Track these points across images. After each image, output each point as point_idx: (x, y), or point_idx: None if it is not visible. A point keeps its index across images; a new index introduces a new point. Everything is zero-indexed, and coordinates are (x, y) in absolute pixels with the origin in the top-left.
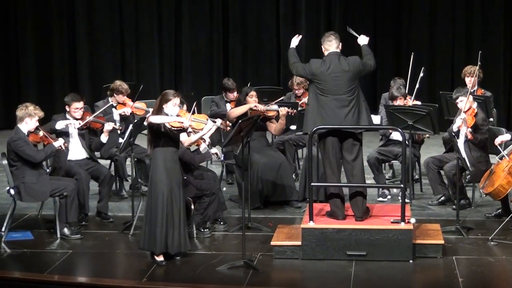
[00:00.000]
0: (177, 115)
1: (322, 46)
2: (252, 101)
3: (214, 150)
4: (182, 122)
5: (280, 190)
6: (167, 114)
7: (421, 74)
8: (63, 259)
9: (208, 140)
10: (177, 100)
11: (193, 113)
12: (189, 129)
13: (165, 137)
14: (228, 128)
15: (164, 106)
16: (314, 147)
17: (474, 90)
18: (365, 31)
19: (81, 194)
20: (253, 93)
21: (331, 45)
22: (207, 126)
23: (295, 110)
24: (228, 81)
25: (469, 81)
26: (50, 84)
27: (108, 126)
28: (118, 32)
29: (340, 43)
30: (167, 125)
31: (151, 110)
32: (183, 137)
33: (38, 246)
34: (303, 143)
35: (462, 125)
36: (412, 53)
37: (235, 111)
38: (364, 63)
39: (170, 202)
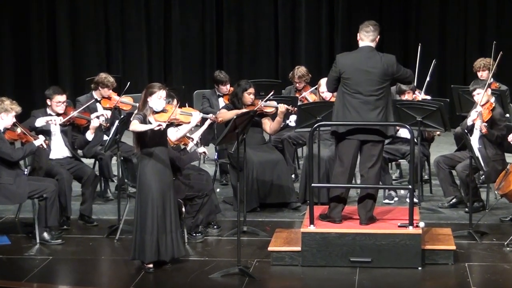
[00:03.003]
0: (163, 110)
1: (358, 35)
2: (249, 99)
3: (202, 149)
4: (159, 125)
5: (277, 191)
6: (151, 108)
7: (432, 67)
8: (42, 266)
9: (196, 139)
10: (162, 93)
11: (181, 106)
12: (174, 125)
13: (151, 135)
14: (220, 119)
15: (148, 99)
16: (315, 145)
17: (489, 84)
18: (369, 19)
19: (62, 196)
20: (251, 89)
21: (367, 36)
22: (194, 117)
23: (295, 108)
24: (220, 73)
25: (480, 75)
26: (28, 77)
27: (95, 122)
28: (102, 20)
29: (378, 36)
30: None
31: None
32: (170, 133)
33: (16, 252)
34: (303, 141)
35: (477, 118)
36: (420, 44)
37: (225, 116)
38: (400, 67)
39: (161, 206)
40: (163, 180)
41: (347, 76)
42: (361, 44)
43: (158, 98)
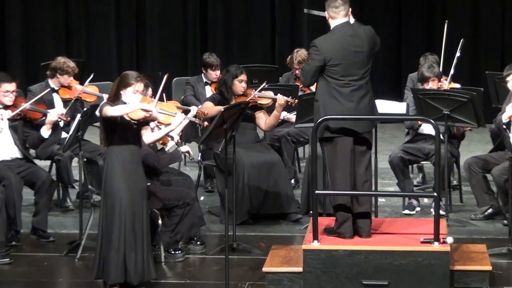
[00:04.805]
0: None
1: (326, 13)
2: (240, 88)
3: (185, 147)
4: (148, 111)
5: (274, 200)
6: (124, 103)
7: (460, 49)
8: None
9: (176, 137)
10: (140, 87)
11: (161, 100)
12: (153, 124)
13: (122, 131)
14: (206, 123)
15: (122, 93)
16: (319, 144)
17: None
18: None
19: (10, 205)
20: (243, 77)
21: (338, 12)
22: (176, 119)
23: (296, 100)
24: (210, 56)
25: None
26: None
27: (53, 116)
28: None
29: (350, 9)
30: (126, 116)
31: (105, 96)
32: (145, 133)
33: None
34: (305, 139)
35: None
36: (446, 21)
37: (210, 111)
38: (376, 36)
39: (130, 216)
40: (133, 186)
41: (335, 63)
42: (334, 23)
43: (133, 93)
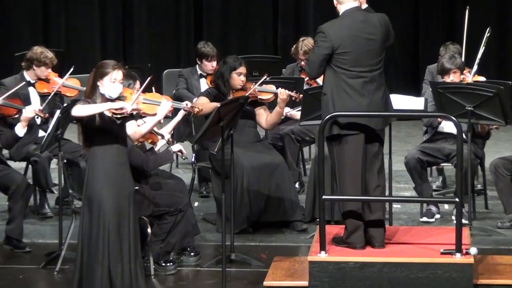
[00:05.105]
0: (120, 97)
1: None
2: (239, 82)
3: (177, 146)
4: (122, 109)
5: (276, 206)
6: (103, 95)
7: (486, 37)
8: None
9: (167, 136)
10: (118, 75)
11: (145, 91)
12: (138, 117)
13: (103, 129)
14: (197, 110)
15: (99, 83)
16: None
17: None
18: None
19: None
20: (242, 69)
21: None
22: (162, 108)
23: (300, 94)
24: (206, 45)
25: None
26: None
27: (29, 112)
28: None
29: None
30: (107, 113)
31: None
32: (129, 129)
33: None
34: (311, 138)
35: None
36: (468, 7)
37: (205, 107)
38: (390, 26)
39: (115, 224)
40: (118, 190)
41: (344, 51)
42: (343, 8)
43: (111, 82)
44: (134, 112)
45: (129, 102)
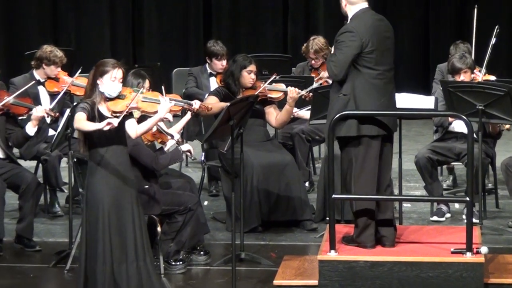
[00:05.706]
0: (120, 96)
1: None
2: (249, 80)
3: (186, 146)
4: (110, 124)
5: (286, 205)
6: (102, 93)
7: (495, 36)
8: None
9: (176, 135)
10: (118, 73)
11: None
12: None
13: (99, 132)
14: (204, 107)
15: (98, 81)
16: (336, 143)
17: None
18: None
19: None
20: (252, 67)
21: None
22: (162, 106)
23: (310, 93)
24: (216, 44)
25: None
26: None
27: (39, 111)
28: None
29: None
30: (106, 110)
31: None
32: (130, 127)
33: None
34: (321, 137)
35: None
36: (476, 5)
37: (214, 106)
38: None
39: (115, 224)
40: (119, 190)
41: (371, 49)
42: (354, 9)
43: (111, 80)
44: (134, 112)
45: (123, 105)
